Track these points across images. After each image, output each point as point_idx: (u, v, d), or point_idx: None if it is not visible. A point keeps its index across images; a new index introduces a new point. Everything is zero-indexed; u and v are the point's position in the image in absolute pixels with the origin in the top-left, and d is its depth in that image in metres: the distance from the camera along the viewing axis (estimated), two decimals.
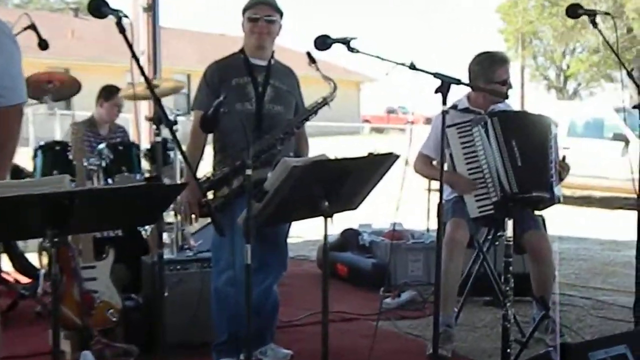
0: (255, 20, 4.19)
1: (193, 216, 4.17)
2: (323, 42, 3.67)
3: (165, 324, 4.07)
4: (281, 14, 4.25)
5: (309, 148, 4.46)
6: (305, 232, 8.10)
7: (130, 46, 3.14)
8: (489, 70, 4.83)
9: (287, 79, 4.34)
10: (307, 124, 4.34)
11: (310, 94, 4.32)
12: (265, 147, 4.07)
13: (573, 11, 4.49)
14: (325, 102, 4.25)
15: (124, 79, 3.81)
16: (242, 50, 4.30)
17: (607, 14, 4.83)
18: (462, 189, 4.67)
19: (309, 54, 3.98)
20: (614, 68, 33.15)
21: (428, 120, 26.75)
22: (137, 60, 3.15)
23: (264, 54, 4.25)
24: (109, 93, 6.57)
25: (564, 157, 4.71)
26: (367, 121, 43.68)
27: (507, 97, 4.86)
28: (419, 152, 5.03)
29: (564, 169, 4.69)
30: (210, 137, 4.20)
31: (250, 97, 4.16)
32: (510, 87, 4.87)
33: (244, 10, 4.24)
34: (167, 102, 7.59)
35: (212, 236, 4.33)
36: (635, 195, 4.42)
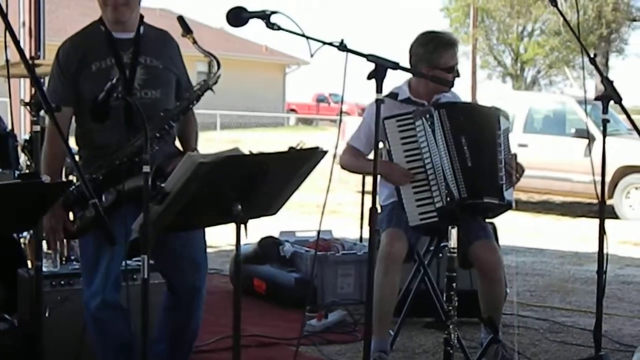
0: None
1: (58, 243, 4.04)
2: (237, 17, 3.59)
3: (45, 351, 4.00)
4: None
5: (197, 129, 4.24)
6: (217, 241, 8.06)
7: (4, 16, 3.08)
8: (433, 54, 4.85)
9: (161, 51, 4.07)
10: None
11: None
12: (138, 148, 3.75)
13: None
14: (207, 86, 4.00)
15: (1, 57, 3.72)
16: (102, 20, 3.98)
17: None
18: (397, 179, 4.69)
19: (181, 20, 3.82)
20: (578, 53, 33.86)
21: (364, 111, 26.92)
22: (12, 33, 3.09)
23: (127, 25, 3.97)
24: None
25: (515, 156, 4.77)
26: (293, 111, 43.79)
27: (452, 86, 4.90)
28: (347, 144, 5.03)
29: (516, 170, 4.75)
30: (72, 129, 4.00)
31: None
32: (457, 75, 4.92)
33: None
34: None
35: (81, 248, 4.12)
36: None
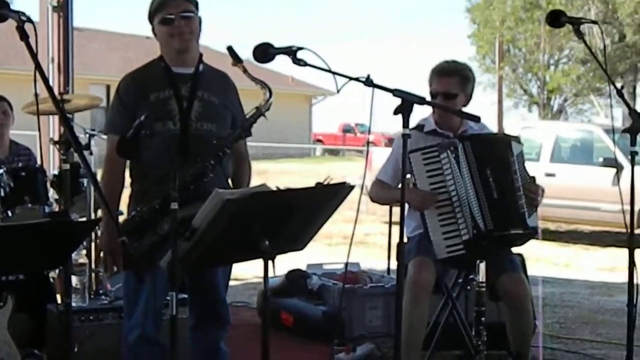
0: (170, 22, 4.01)
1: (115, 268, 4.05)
2: (264, 53, 3.63)
3: None
4: (196, 4, 4.10)
5: (251, 172, 4.35)
6: (244, 274, 8.07)
7: (34, 56, 3.11)
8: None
9: (220, 88, 4.19)
10: (249, 144, 4.28)
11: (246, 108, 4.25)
12: (193, 176, 3.91)
13: (555, 19, 4.50)
14: (260, 112, 4.08)
15: (31, 90, 3.71)
16: (162, 57, 4.14)
17: (593, 22, 4.88)
18: (420, 202, 4.69)
19: (231, 50, 3.87)
20: (605, 82, 33.72)
21: (390, 142, 26.90)
22: (42, 72, 3.12)
23: (188, 59, 4.10)
24: None
25: (533, 178, 4.75)
26: (319, 141, 43.84)
27: (477, 120, 4.74)
28: (375, 179, 5.10)
29: (536, 193, 4.73)
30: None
31: (173, 115, 3.99)
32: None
33: (152, 15, 4.07)
34: (83, 118, 7.54)
35: (124, 280, 4.16)
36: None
